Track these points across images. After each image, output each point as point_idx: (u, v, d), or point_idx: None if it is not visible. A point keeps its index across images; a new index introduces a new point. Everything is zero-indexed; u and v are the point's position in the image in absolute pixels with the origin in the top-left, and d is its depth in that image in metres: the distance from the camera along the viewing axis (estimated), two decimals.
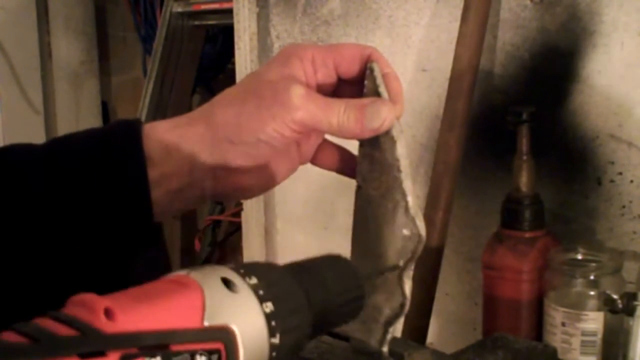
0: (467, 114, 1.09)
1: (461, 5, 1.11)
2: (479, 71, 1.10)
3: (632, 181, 1.03)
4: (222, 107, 0.53)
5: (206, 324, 0.35)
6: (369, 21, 1.31)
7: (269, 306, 0.38)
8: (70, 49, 2.43)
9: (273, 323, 0.38)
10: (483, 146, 1.17)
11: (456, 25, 1.11)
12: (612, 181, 1.05)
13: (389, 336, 0.54)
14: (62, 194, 0.50)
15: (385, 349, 0.54)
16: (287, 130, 0.51)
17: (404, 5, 1.26)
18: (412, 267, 0.53)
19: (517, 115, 1.01)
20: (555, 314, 0.94)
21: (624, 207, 1.04)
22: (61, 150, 0.53)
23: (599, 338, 0.91)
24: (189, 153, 0.52)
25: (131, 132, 0.52)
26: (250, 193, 0.57)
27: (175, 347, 0.33)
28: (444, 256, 1.10)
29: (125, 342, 0.32)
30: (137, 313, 0.33)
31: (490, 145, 1.17)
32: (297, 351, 0.40)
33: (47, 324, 0.31)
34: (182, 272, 0.38)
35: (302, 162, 0.58)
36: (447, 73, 1.11)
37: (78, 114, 2.48)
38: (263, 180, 0.56)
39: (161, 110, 2.07)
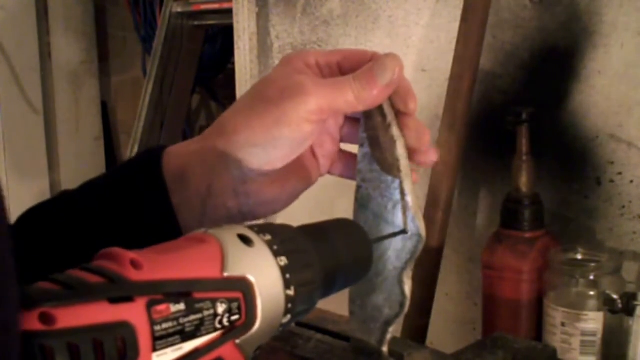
0: (467, 114, 1.09)
1: (461, 5, 1.11)
2: (479, 71, 1.10)
3: (632, 181, 1.03)
4: (230, 117, 0.52)
5: (225, 274, 0.38)
6: (369, 21, 1.31)
7: (283, 260, 0.40)
8: (70, 49, 2.43)
9: (287, 276, 0.40)
10: (483, 146, 1.17)
11: (456, 25, 1.11)
12: (611, 181, 1.05)
13: (388, 336, 0.54)
14: (90, 239, 0.50)
15: (385, 349, 0.54)
16: (303, 122, 0.49)
17: (403, 5, 1.26)
18: (412, 267, 0.53)
19: (517, 115, 1.01)
20: (555, 314, 0.94)
21: (623, 207, 1.04)
22: (87, 196, 0.53)
23: (598, 338, 0.91)
24: (204, 168, 0.51)
25: (151, 164, 0.51)
26: (277, 206, 0.54)
27: (198, 295, 0.36)
28: (444, 256, 1.10)
29: (151, 289, 0.34)
30: (161, 263, 0.36)
31: (490, 145, 1.17)
32: (311, 306, 0.43)
33: (78, 274, 0.34)
34: (200, 231, 0.40)
35: (321, 171, 0.57)
36: (447, 73, 1.11)
37: (78, 114, 2.48)
38: (286, 190, 0.54)
39: (161, 110, 2.07)
